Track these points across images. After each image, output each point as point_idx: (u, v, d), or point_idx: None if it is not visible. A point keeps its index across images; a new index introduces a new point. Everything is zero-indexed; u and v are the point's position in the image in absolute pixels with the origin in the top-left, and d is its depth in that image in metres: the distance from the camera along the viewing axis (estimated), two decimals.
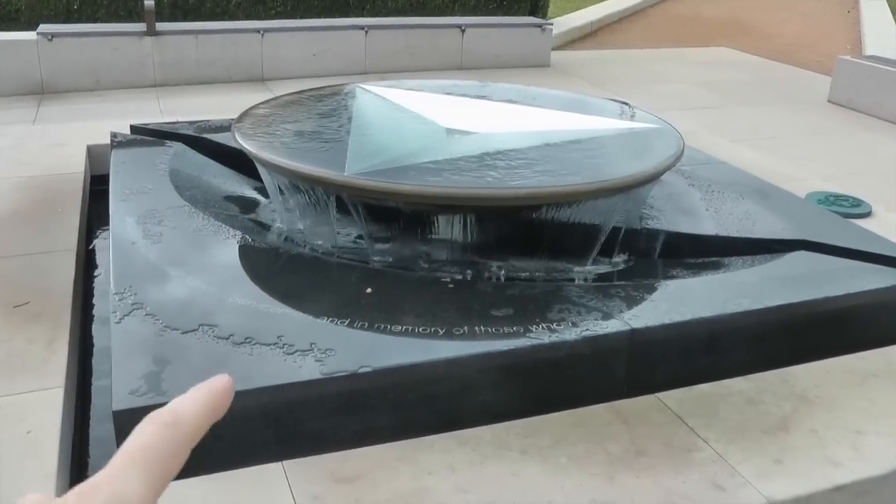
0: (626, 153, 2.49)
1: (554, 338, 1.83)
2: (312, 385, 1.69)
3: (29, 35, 6.30)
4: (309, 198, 2.38)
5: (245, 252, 2.33)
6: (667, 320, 1.92)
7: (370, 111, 2.92)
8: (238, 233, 2.41)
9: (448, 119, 2.78)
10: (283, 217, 2.58)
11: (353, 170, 2.23)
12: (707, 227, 2.55)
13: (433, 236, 2.30)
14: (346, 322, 1.89)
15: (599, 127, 2.69)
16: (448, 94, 3.20)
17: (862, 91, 6.02)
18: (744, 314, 1.98)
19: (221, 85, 6.54)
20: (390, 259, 2.31)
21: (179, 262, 2.18)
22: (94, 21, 7.27)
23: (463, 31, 7.21)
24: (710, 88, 6.69)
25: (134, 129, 3.52)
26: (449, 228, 2.27)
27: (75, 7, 7.37)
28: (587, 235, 2.36)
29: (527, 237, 2.37)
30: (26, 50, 6.22)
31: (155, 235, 2.36)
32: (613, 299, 2.01)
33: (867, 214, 2.99)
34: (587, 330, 1.87)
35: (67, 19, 7.25)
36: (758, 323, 2.01)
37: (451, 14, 8.01)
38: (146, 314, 1.89)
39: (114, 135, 3.39)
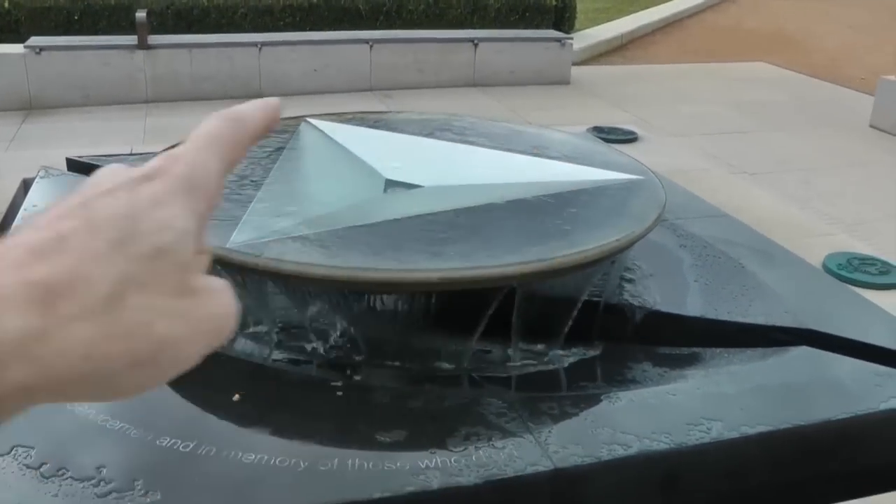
0: (584, 219, 2.02)
1: (447, 479, 1.38)
2: None
3: (16, 48, 6.04)
4: None
5: None
6: (605, 454, 1.45)
7: (302, 156, 2.49)
8: None
9: (395, 168, 2.34)
10: None
11: (239, 239, 1.80)
12: (692, 305, 2.07)
13: (333, 320, 1.86)
14: (189, 447, 1.46)
15: (563, 179, 2.22)
16: (419, 131, 2.75)
17: None
18: (712, 446, 1.51)
19: (217, 101, 6.17)
20: (276, 351, 1.87)
21: None
22: (95, 33, 6.97)
23: (476, 45, 6.75)
24: (741, 110, 6.14)
25: (70, 163, 3.15)
26: (348, 311, 1.83)
27: (76, 18, 7.09)
28: (545, 318, 1.91)
29: (460, 318, 1.92)
30: (14, 64, 5.96)
31: None
32: (541, 418, 1.55)
33: None
34: (493, 468, 1.41)
35: (68, 31, 6.96)
36: (732, 457, 1.54)
37: (469, 26, 7.53)
38: None
39: (42, 170, 3.00)
